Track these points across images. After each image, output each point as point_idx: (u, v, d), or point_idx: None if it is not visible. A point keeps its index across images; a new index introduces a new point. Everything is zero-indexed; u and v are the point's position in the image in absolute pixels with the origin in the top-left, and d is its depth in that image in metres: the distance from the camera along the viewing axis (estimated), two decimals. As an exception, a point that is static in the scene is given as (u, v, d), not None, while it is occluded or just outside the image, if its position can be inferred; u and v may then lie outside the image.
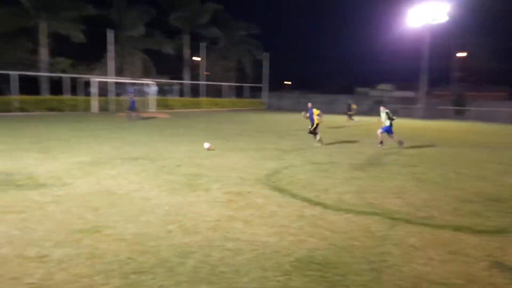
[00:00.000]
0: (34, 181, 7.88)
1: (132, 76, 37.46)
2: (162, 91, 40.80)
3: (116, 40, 35.32)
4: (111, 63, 34.76)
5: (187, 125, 22.46)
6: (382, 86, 49.07)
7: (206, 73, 44.80)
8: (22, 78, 29.55)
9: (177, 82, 41.63)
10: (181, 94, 42.88)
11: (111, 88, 34.14)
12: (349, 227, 5.67)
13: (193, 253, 4.66)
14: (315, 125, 14.38)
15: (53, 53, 34.35)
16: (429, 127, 26.90)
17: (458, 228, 5.73)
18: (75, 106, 30.63)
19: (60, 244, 4.82)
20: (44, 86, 32.94)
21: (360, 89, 50.21)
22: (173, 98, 40.21)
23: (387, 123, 14.05)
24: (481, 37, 46.40)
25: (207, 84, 44.12)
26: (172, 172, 9.10)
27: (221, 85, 45.35)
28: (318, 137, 14.55)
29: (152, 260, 4.44)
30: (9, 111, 27.04)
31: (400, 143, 14.38)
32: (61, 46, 33.90)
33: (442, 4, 35.91)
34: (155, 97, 36.61)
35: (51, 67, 34.23)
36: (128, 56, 37.99)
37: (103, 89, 33.36)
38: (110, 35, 34.18)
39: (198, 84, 43.84)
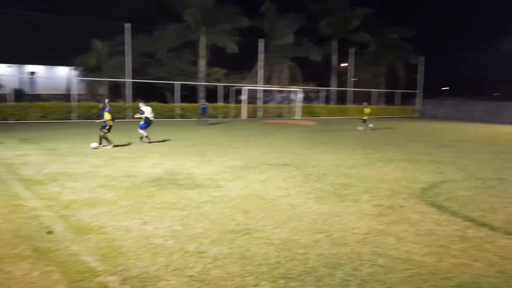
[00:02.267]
0: (192, 182, 8.61)
1: (280, 83, 38.65)
2: (307, 98, 41.13)
3: (265, 49, 36.83)
4: (260, 72, 36.42)
5: (333, 132, 22.30)
6: None
7: (354, 79, 43.74)
8: (183, 87, 32.91)
9: (323, 89, 41.55)
10: (327, 101, 42.66)
11: (260, 96, 35.78)
12: (523, 255, 4.90)
13: (342, 265, 4.52)
14: (108, 127, 13.15)
15: (210, 63, 37.42)
16: None
17: None
18: (226, 113, 32.96)
19: (216, 242, 5.13)
20: (201, 94, 36.08)
21: None
22: (319, 105, 40.20)
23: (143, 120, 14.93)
24: None
25: (354, 91, 43.11)
26: (319, 180, 9.05)
27: (369, 91, 43.76)
28: (107, 144, 13.33)
29: (300, 268, 4.43)
30: (172, 117, 30.31)
31: (146, 138, 14.74)
32: (216, 57, 36.75)
33: None
34: (301, 104, 37.18)
35: (207, 77, 37.35)
36: (276, 64, 39.07)
37: (252, 97, 35.15)
38: (261, 44, 35.84)
39: (345, 90, 43.15)
